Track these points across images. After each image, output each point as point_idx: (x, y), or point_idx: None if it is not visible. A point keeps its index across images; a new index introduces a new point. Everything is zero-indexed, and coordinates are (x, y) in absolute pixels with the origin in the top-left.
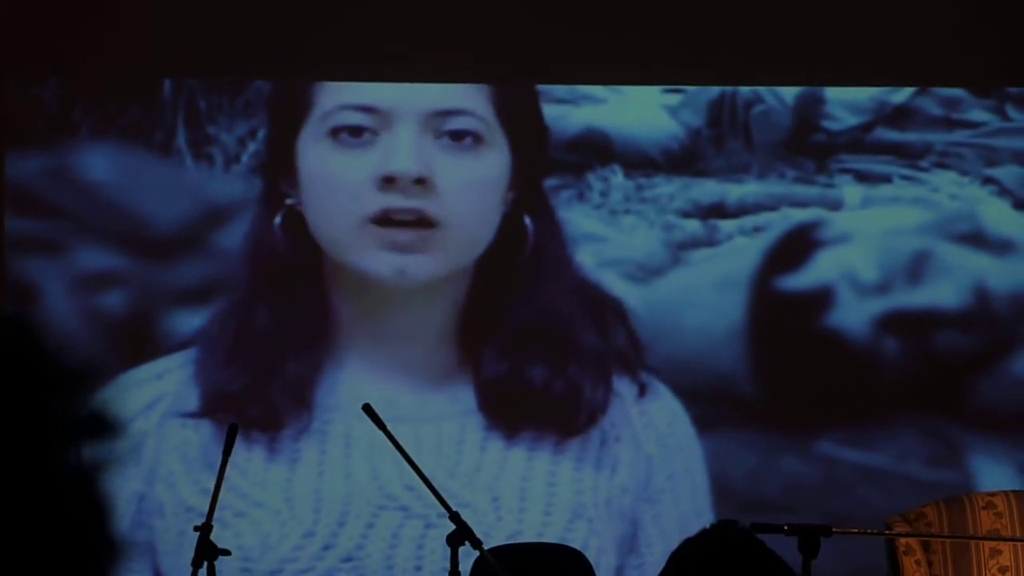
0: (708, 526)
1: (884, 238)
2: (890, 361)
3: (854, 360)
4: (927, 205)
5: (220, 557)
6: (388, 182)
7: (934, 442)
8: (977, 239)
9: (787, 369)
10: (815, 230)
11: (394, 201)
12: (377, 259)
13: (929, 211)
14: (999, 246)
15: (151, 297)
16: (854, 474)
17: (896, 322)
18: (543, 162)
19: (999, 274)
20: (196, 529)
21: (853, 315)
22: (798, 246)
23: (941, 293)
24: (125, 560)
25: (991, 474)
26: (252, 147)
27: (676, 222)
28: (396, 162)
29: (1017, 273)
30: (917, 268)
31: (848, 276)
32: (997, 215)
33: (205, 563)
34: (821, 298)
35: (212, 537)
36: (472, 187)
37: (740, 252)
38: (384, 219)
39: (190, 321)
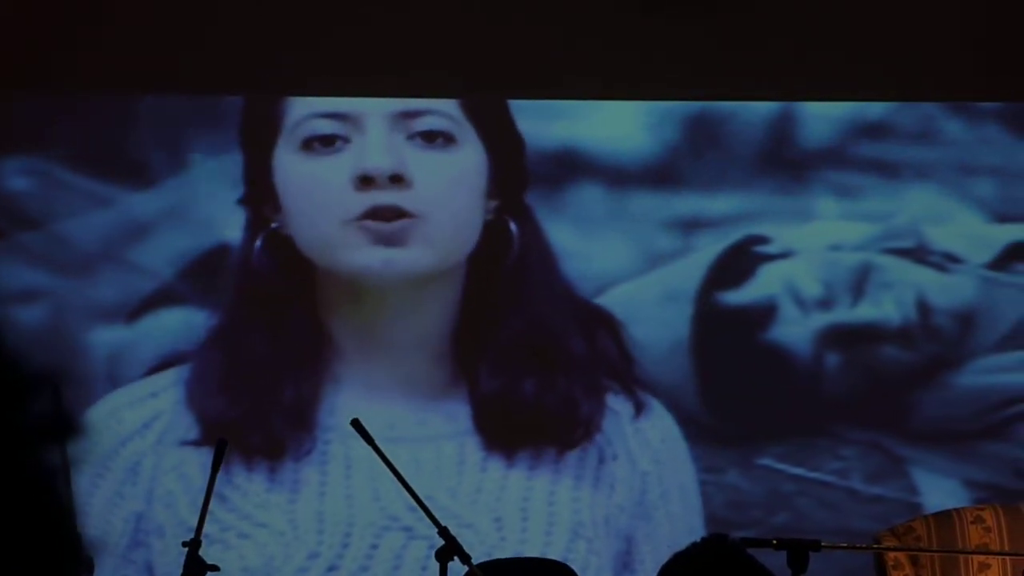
0: (699, 540)
1: (827, 252)
2: (833, 376)
3: (797, 374)
4: (887, 219)
5: (210, 574)
6: (365, 182)
7: (877, 456)
8: (920, 253)
9: (730, 383)
10: (760, 244)
11: (374, 200)
12: (364, 254)
13: (878, 225)
14: (942, 261)
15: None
16: (796, 488)
17: (839, 337)
18: (520, 172)
19: (940, 289)
20: (184, 545)
21: (796, 330)
22: (742, 260)
23: (884, 308)
24: (92, 563)
25: (934, 489)
26: (227, 165)
27: (652, 236)
28: (370, 160)
29: (959, 287)
30: (860, 283)
31: (791, 290)
32: (967, 230)
33: None
34: (764, 313)
35: (216, 558)
36: (449, 182)
37: (689, 266)
38: (366, 217)
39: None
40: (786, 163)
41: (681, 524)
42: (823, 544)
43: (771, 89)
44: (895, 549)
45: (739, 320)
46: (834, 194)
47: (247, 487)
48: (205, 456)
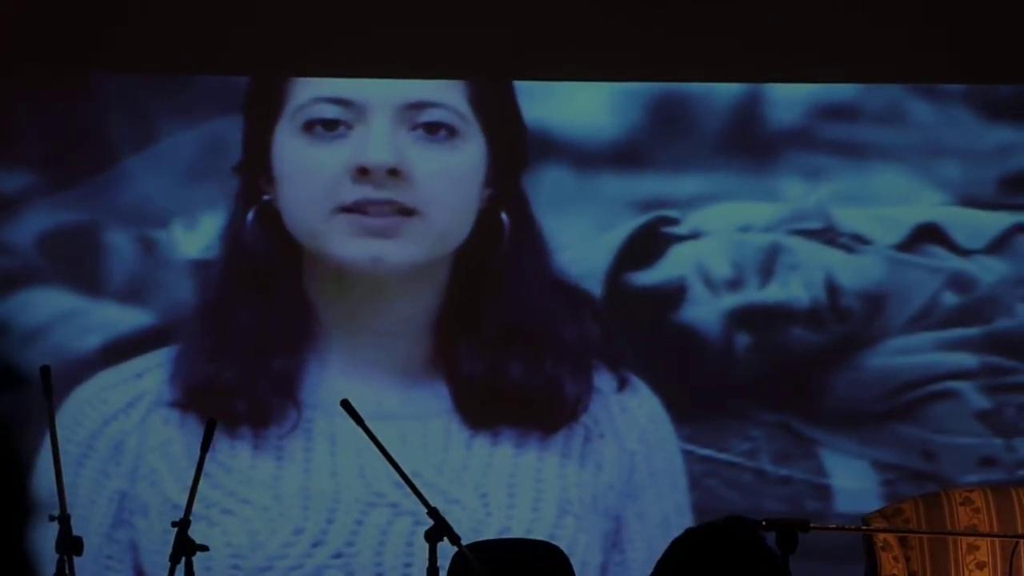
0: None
1: (736, 233)
2: (742, 357)
3: (706, 355)
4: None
5: (207, 554)
6: (362, 173)
7: (785, 438)
8: (829, 234)
9: (639, 364)
10: (669, 225)
11: (368, 192)
12: (352, 246)
13: (786, 206)
14: (850, 242)
15: None
16: (705, 469)
17: (748, 318)
18: (520, 157)
19: (849, 270)
20: (174, 525)
21: (705, 311)
22: (652, 241)
23: (793, 289)
24: (80, 543)
25: (843, 470)
26: (200, 142)
27: (618, 217)
28: (370, 153)
29: (868, 268)
30: (769, 264)
31: (700, 271)
32: (933, 211)
33: (183, 559)
34: (674, 293)
35: (201, 534)
36: (447, 177)
37: (599, 247)
38: (358, 208)
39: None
40: (753, 145)
41: (670, 504)
42: (812, 525)
43: (738, 71)
44: (884, 530)
45: (649, 300)
46: (803, 176)
47: (231, 463)
48: (190, 432)
